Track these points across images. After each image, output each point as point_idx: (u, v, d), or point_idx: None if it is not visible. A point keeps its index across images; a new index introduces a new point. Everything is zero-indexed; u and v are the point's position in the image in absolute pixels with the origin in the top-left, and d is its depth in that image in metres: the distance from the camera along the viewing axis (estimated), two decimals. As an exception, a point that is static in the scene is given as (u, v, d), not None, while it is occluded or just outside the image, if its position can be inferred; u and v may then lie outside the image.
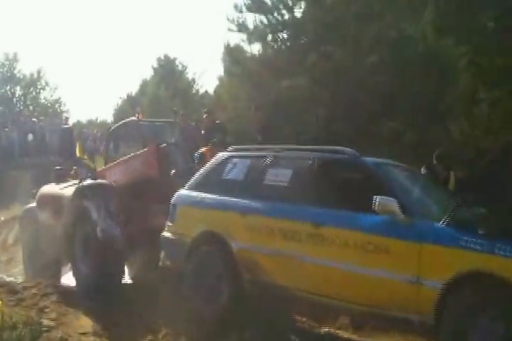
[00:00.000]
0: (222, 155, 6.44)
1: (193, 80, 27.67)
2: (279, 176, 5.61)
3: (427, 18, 9.18)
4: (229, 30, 13.25)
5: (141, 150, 8.07)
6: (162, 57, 28.54)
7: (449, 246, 4.29)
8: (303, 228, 5.19)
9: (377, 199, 4.63)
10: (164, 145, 7.92)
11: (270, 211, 5.53)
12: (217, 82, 22.78)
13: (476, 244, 4.14)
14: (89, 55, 70.16)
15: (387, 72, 9.45)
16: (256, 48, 15.07)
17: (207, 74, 51.05)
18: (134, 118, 8.97)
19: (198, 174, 6.52)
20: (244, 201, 5.78)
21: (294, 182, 5.51)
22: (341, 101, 9.89)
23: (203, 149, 8.18)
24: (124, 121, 9.44)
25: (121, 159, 8.47)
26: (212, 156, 6.97)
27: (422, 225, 4.50)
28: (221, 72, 21.61)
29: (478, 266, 4.10)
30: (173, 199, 6.47)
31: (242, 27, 13.22)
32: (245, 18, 12.95)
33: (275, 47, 12.93)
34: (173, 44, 65.50)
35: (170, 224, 6.43)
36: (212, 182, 6.25)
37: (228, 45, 15.15)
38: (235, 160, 6.18)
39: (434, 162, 6.80)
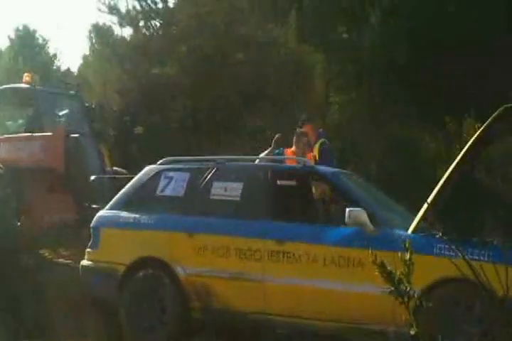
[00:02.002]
0: (152, 168, 5.74)
1: (55, 56, 27.06)
2: (229, 190, 5.23)
3: (291, 24, 10.38)
4: (99, 10, 13.59)
5: (44, 134, 7.31)
6: (20, 28, 27.57)
7: (423, 254, 4.24)
8: (264, 246, 4.89)
9: (348, 211, 4.59)
10: (76, 135, 7.26)
11: (223, 229, 5.12)
12: (80, 61, 22.53)
13: (449, 250, 4.18)
14: None
15: (252, 70, 10.50)
16: (127, 32, 15.49)
17: (70, 51, 49.33)
18: (25, 85, 7.93)
19: (123, 192, 5.81)
20: (190, 219, 5.28)
21: (246, 196, 5.16)
22: (208, 94, 10.76)
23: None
24: (12, 86, 8.27)
25: (11, 135, 7.58)
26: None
27: (392, 234, 4.49)
28: (86, 50, 21.40)
29: (453, 272, 4.45)
30: (94, 221, 5.73)
31: (113, 9, 13.64)
32: (117, 1, 13.40)
33: (147, 33, 13.55)
34: (34, 15, 61.80)
35: (91, 250, 5.64)
36: (145, 199, 5.61)
37: (98, 26, 15.42)
38: (170, 173, 5.55)
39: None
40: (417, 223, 4.50)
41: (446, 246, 4.22)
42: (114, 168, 8.26)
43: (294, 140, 6.42)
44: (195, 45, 11.85)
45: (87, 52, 18.11)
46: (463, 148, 7.95)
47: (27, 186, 7.02)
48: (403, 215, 5.11)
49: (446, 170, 7.00)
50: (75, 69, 22.92)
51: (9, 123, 8.25)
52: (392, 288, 2.13)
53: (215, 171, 5.37)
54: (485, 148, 4.82)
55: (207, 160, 5.69)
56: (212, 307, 5.09)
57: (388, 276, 1.97)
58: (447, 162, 7.88)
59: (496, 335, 4.09)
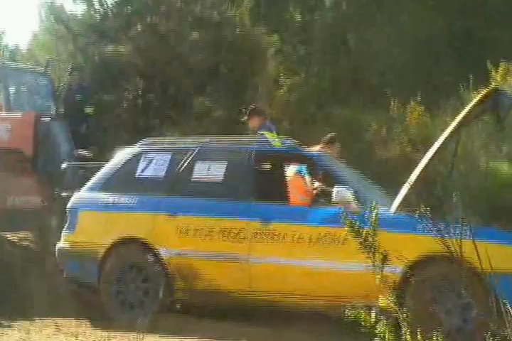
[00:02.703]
0: (130, 150, 5.85)
1: (3, 33, 26.43)
2: (212, 171, 5.34)
3: (245, 4, 10.53)
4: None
5: (14, 115, 7.24)
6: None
7: (405, 232, 4.53)
8: (249, 226, 5.05)
9: (335, 190, 4.74)
10: (48, 119, 7.21)
11: (207, 210, 5.25)
12: (29, 38, 21.97)
13: (430, 229, 4.48)
14: None
15: (206, 50, 10.63)
16: (80, 9, 15.35)
17: (18, 28, 48.02)
18: None
19: (100, 173, 5.85)
20: (173, 200, 5.38)
21: (230, 177, 5.28)
22: (160, 73, 10.85)
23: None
24: None
25: None
26: None
27: (376, 213, 5.00)
28: (35, 27, 20.97)
29: (435, 250, 4.24)
30: (71, 203, 5.77)
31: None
32: (70, -24, 13.26)
33: (101, 11, 13.50)
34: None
35: (68, 232, 5.71)
36: (124, 181, 5.68)
37: (49, 2, 15.26)
38: (149, 155, 5.65)
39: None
40: (400, 202, 4.71)
41: (427, 224, 4.44)
42: (79, 151, 8.18)
43: (323, 144, 6.30)
44: (150, 24, 11.90)
45: (37, 29, 17.83)
46: (406, 130, 8.37)
47: None
48: (381, 195, 5.37)
49: (387, 152, 7.28)
50: (23, 46, 22.50)
51: None
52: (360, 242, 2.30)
53: (198, 152, 5.46)
54: (466, 128, 5.10)
55: (190, 142, 5.74)
56: (196, 287, 5.23)
57: (357, 233, 2.21)
58: (386, 144, 8.28)
59: (475, 310, 4.35)
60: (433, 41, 9.66)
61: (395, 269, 4.36)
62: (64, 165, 6.84)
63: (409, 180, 4.67)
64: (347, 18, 10.06)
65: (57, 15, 14.69)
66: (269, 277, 5.00)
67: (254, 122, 6.81)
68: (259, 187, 5.27)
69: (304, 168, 5.44)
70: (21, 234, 7.59)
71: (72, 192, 6.04)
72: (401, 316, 1.99)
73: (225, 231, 5.11)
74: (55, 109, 7.98)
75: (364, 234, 2.28)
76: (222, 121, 8.86)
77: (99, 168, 6.06)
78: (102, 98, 10.95)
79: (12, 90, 7.76)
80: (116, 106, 10.49)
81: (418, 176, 4.66)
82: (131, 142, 6.31)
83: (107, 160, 6.24)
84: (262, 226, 5.02)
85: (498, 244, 4.38)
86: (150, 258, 5.35)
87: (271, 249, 4.99)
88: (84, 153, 7.83)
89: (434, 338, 1.77)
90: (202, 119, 9.08)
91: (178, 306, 5.44)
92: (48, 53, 15.79)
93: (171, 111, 9.53)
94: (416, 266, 4.50)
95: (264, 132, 6.74)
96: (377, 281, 2.05)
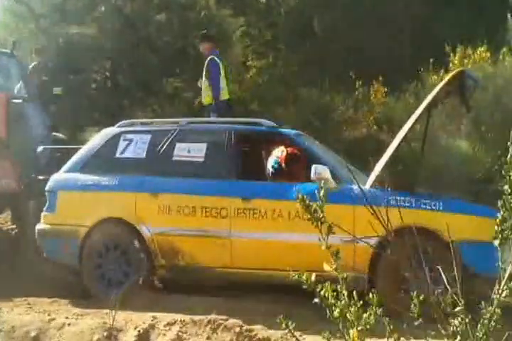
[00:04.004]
0: (110, 130, 5.89)
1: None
2: (192, 151, 5.46)
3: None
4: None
5: None
6: None
7: (380, 206, 5.12)
8: (230, 204, 5.19)
9: (313, 167, 4.88)
10: (19, 101, 7.16)
11: (189, 188, 5.36)
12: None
13: (404, 202, 4.70)
14: None
15: (173, 32, 10.71)
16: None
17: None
18: None
19: (79, 154, 5.89)
20: (154, 180, 5.47)
21: (211, 157, 5.41)
22: (128, 55, 10.89)
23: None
24: None
25: None
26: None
27: (352, 190, 4.84)
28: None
29: (409, 221, 4.44)
30: (50, 184, 5.79)
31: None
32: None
33: (64, -9, 13.30)
34: None
35: (48, 214, 5.75)
36: (104, 161, 5.72)
37: (10, -19, 14.92)
38: (129, 136, 5.71)
39: None
40: (374, 179, 4.92)
41: (401, 197, 4.72)
42: (53, 133, 8.06)
43: None
44: (115, 5, 11.85)
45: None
46: (371, 111, 8.69)
47: None
48: (356, 172, 5.47)
49: (354, 132, 7.59)
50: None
51: None
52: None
53: (178, 133, 5.56)
54: (433, 109, 5.29)
55: (169, 123, 5.80)
56: (179, 264, 5.35)
57: (307, 207, 2.29)
58: (354, 124, 8.58)
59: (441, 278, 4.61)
60: (395, 25, 9.92)
61: (370, 242, 4.53)
62: (40, 148, 6.86)
63: (382, 158, 4.88)
64: (311, 1, 10.23)
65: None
66: (251, 252, 5.15)
67: (205, 47, 7.24)
68: (239, 165, 5.43)
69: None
70: (-2, 217, 7.64)
71: (49, 176, 6.08)
72: (340, 277, 2.17)
73: (207, 209, 5.24)
74: (27, 91, 7.82)
75: (313, 207, 2.42)
76: (191, 102, 9.00)
77: (76, 150, 6.09)
78: (70, 79, 10.94)
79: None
80: (85, 88, 10.49)
81: (391, 154, 4.88)
82: (101, 123, 6.34)
83: (83, 143, 6.32)
84: (243, 203, 5.18)
85: (466, 215, 4.68)
86: (132, 237, 5.43)
87: (252, 224, 5.15)
88: (60, 135, 7.85)
89: (371, 295, 1.98)
90: (172, 100, 9.19)
91: (160, 284, 5.61)
92: (9, 34, 15.53)
93: (140, 92, 9.62)
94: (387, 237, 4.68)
95: (215, 57, 7.06)
96: (322, 249, 2.21)
